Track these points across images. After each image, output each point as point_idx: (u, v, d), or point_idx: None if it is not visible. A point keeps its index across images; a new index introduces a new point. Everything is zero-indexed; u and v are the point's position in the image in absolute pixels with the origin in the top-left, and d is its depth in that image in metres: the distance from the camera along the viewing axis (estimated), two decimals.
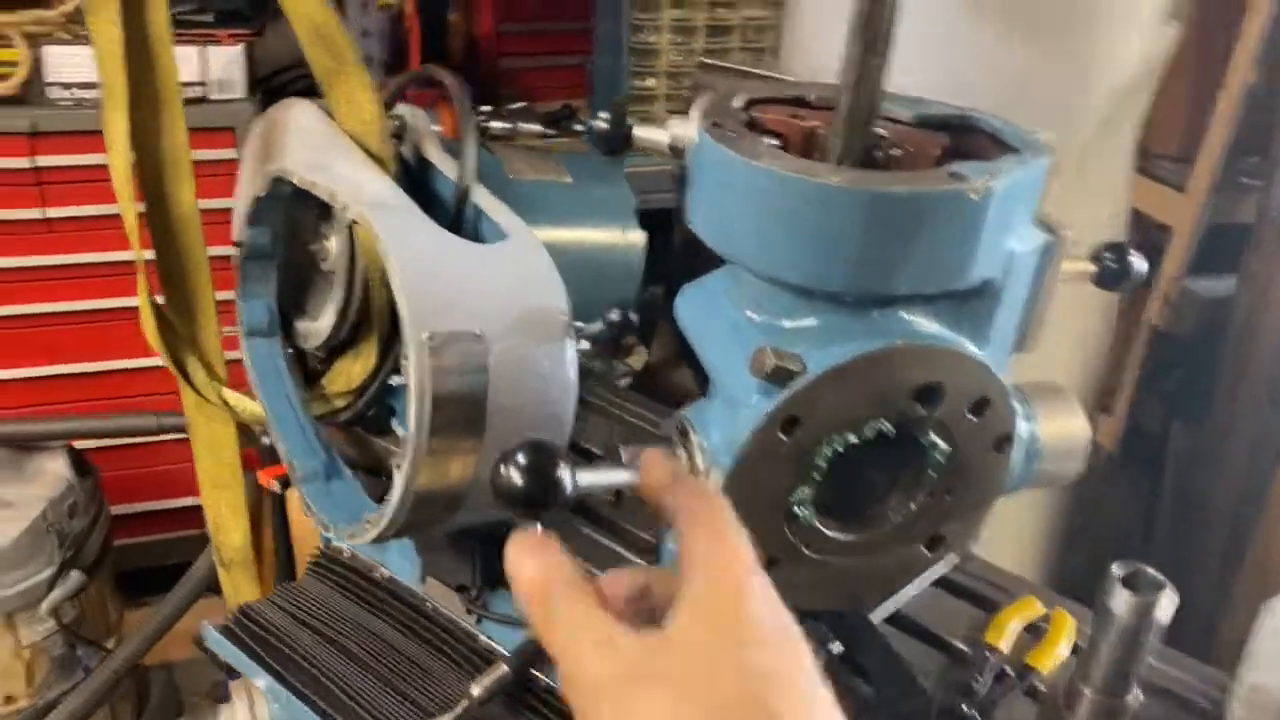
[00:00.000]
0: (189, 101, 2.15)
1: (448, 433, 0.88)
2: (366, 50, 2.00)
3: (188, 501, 2.42)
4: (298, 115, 1.09)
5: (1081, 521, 2.24)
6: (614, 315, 0.96)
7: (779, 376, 0.70)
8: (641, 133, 0.86)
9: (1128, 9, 1.28)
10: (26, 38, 2.04)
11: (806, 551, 0.78)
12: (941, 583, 1.03)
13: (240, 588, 1.31)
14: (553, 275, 0.95)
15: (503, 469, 0.57)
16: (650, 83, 2.31)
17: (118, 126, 1.03)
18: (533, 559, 0.55)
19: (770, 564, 0.77)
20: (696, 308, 0.84)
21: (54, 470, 1.91)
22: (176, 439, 2.28)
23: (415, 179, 1.15)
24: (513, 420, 0.92)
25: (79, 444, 2.06)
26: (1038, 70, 1.28)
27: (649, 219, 1.35)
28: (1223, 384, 2.10)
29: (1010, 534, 1.65)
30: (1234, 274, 2.13)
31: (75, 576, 1.86)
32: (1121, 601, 0.75)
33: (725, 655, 0.48)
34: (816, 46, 1.54)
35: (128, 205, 1.07)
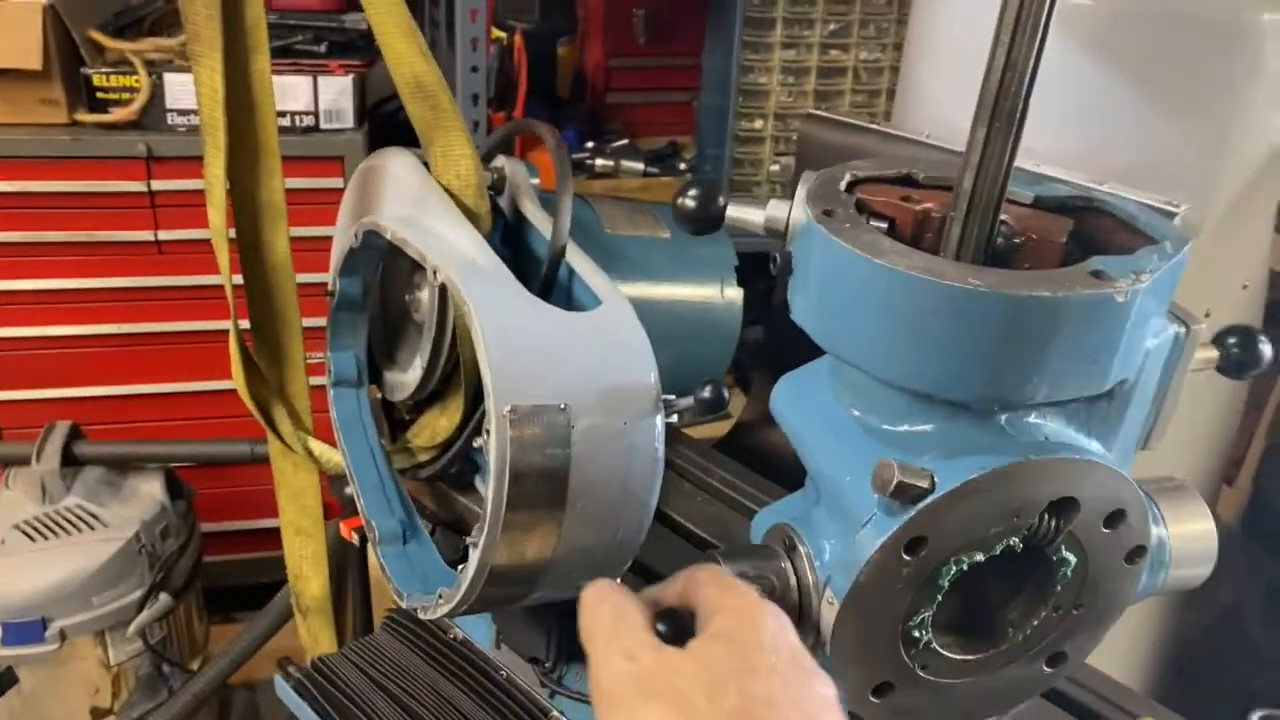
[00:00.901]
0: (301, 130, 2.21)
1: (527, 509, 0.84)
2: (474, 87, 1.99)
3: (279, 522, 2.45)
4: (395, 166, 1.07)
5: (1197, 601, 2.10)
6: (706, 392, 0.91)
7: (906, 495, 0.64)
8: (736, 212, 0.80)
9: (1273, 84, 1.19)
10: (147, 64, 2.09)
11: (922, 674, 0.71)
12: (1046, 693, 0.95)
13: (318, 637, 1.29)
14: (644, 346, 0.91)
15: None
16: (758, 124, 2.26)
17: (216, 172, 1.02)
18: (602, 591, 0.61)
19: (883, 689, 0.71)
20: (796, 403, 0.79)
21: (149, 492, 1.93)
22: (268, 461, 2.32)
23: (512, 232, 1.12)
24: (596, 496, 0.88)
25: (176, 465, 2.09)
26: (1177, 140, 1.20)
27: (750, 261, 1.30)
28: None
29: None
30: None
31: (164, 600, 1.88)
32: None
33: (731, 677, 0.51)
34: (932, 96, 1.48)
35: (223, 252, 1.06)
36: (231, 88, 1.00)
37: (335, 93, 2.19)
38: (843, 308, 0.67)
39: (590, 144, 2.38)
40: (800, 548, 0.71)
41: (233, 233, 1.08)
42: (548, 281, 1.01)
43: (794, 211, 0.71)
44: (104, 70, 2.11)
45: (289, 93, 2.19)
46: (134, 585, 1.87)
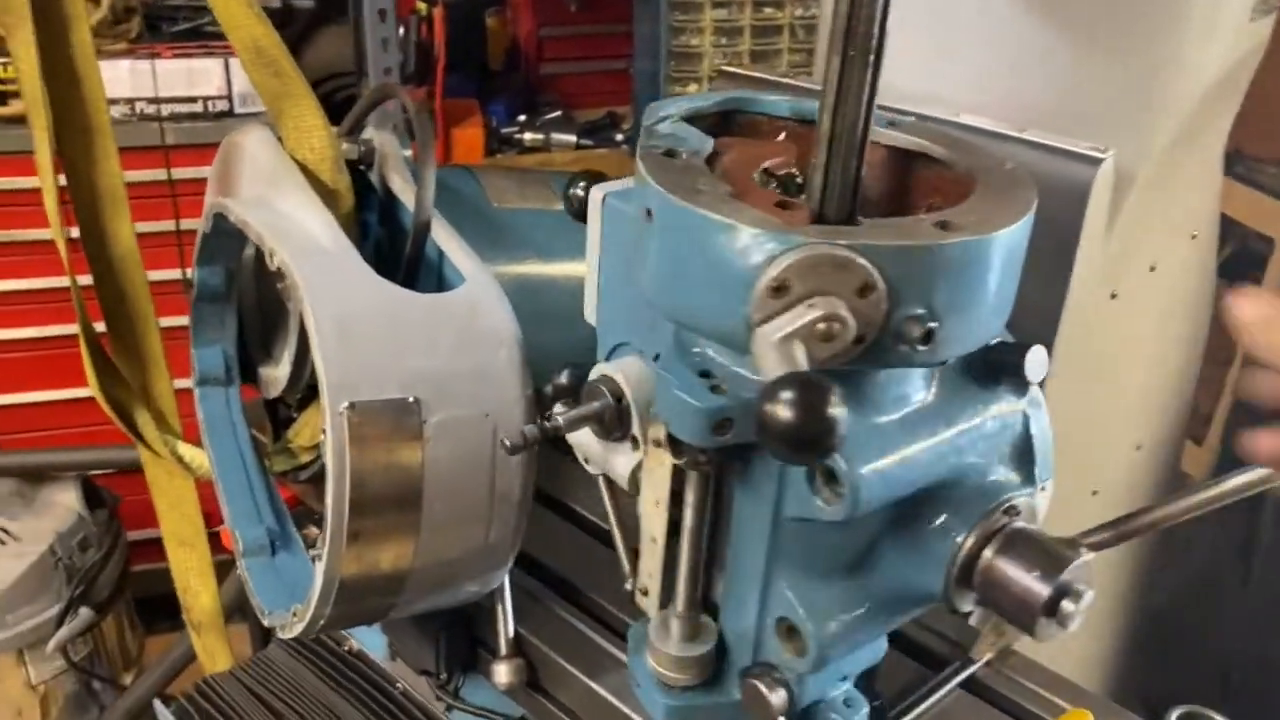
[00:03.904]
0: (214, 115, 2.11)
1: (374, 516, 0.76)
2: (385, 62, 1.89)
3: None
4: (251, 142, 0.98)
5: (1168, 565, 2.03)
6: (564, 378, 0.82)
7: None
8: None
9: (1208, 8, 1.10)
10: None
11: None
12: (973, 687, 0.87)
13: (213, 652, 1.21)
14: (508, 329, 0.82)
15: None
16: (692, 89, 2.16)
17: (44, 157, 0.93)
18: (1252, 303, 0.58)
19: None
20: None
21: (64, 503, 1.84)
22: None
23: (385, 210, 1.03)
24: (457, 497, 0.79)
25: (96, 472, 2.00)
26: (1105, 78, 1.11)
27: None
28: None
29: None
30: None
31: (84, 614, 1.79)
32: None
33: None
34: None
35: (61, 242, 0.97)
36: (50, 62, 0.90)
37: None
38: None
39: (522, 117, 2.28)
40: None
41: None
42: (412, 261, 0.92)
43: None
44: None
45: (200, 77, 2.09)
46: (50, 601, 1.78)
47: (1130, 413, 1.49)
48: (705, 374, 0.62)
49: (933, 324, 0.56)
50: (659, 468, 0.67)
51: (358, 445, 0.74)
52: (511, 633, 0.92)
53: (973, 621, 0.98)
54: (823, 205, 0.62)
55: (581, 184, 0.76)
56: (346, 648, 1.10)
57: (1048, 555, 0.62)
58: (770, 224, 0.56)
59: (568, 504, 1.07)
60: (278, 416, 1.16)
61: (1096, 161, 1.02)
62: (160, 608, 2.29)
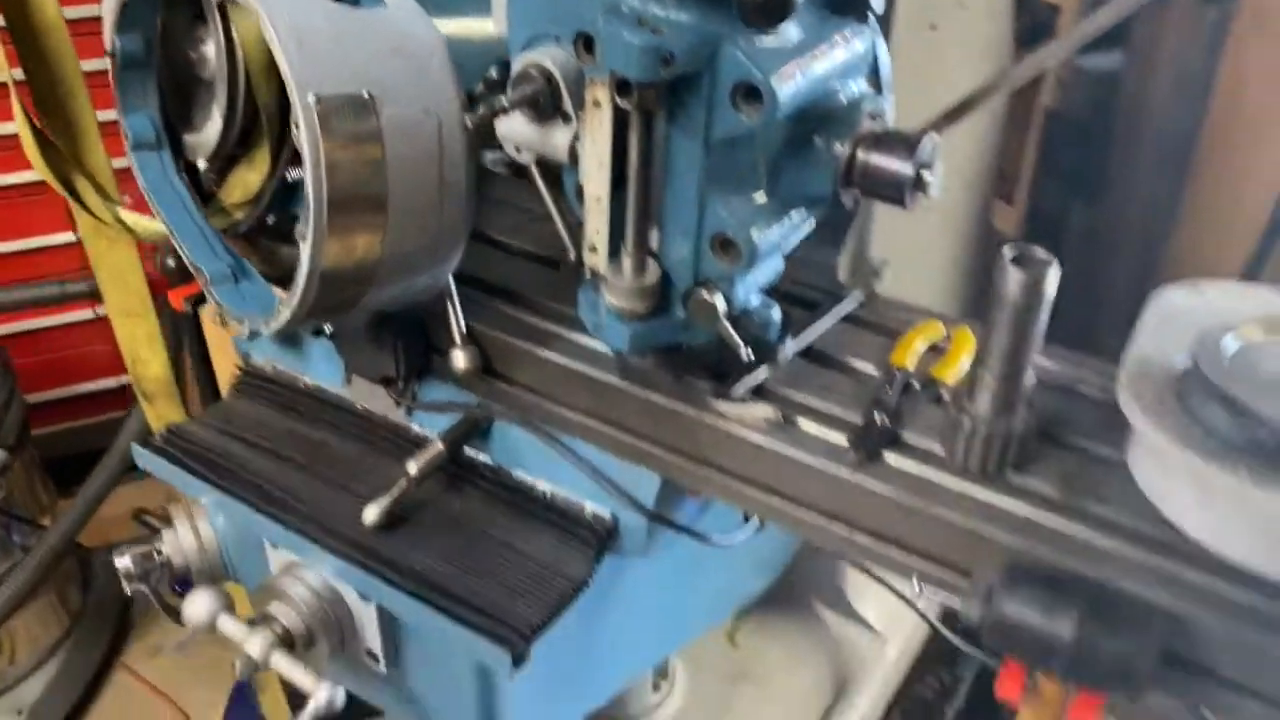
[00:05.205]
0: None
1: (349, 203, 0.88)
2: None
3: (108, 383, 2.38)
4: None
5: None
6: (493, 71, 0.95)
7: None
8: None
9: None
10: None
11: None
12: (849, 319, 1.07)
13: (167, 417, 1.30)
14: (436, 38, 0.93)
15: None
16: None
17: None
18: None
19: None
20: None
21: None
22: (88, 320, 2.23)
23: None
24: (415, 184, 0.91)
25: None
26: None
27: None
28: (1116, 158, 2.15)
29: None
30: (1121, 48, 2.16)
31: None
32: (1012, 279, 0.78)
33: None
34: None
35: None
36: None
37: None
38: None
39: None
40: None
41: None
42: None
43: None
44: None
45: None
46: None
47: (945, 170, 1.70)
48: (641, 24, 0.76)
49: None
50: (599, 128, 0.81)
51: (327, 134, 0.85)
52: (464, 326, 1.06)
53: (841, 276, 1.17)
54: None
55: None
56: (301, 384, 1.22)
57: (906, 144, 0.81)
58: None
59: (491, 235, 1.20)
60: (202, 191, 1.24)
61: None
62: (65, 470, 2.32)
